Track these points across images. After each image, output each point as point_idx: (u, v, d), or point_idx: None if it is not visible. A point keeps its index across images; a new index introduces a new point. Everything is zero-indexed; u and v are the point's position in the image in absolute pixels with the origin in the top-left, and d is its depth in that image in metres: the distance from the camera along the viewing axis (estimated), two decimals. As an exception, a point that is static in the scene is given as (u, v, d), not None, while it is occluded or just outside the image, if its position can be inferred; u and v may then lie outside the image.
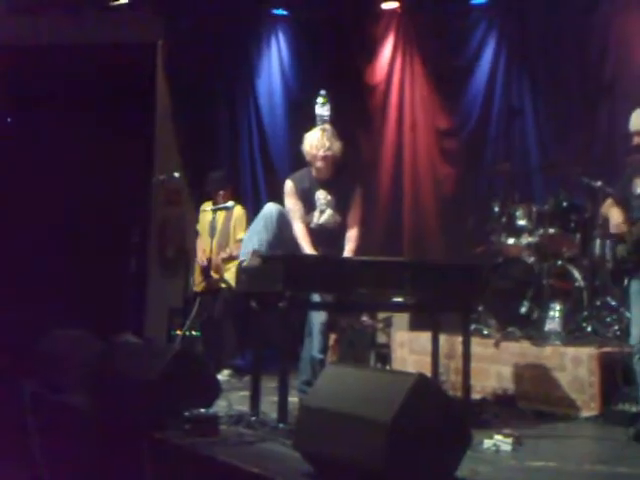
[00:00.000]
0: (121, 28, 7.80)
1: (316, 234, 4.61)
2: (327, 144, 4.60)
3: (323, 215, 4.68)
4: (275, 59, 8.09)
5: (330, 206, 4.68)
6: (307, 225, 4.64)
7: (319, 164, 4.63)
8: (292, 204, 4.66)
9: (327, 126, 4.72)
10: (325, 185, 4.70)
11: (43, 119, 7.84)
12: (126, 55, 7.87)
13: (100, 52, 7.82)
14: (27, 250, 7.51)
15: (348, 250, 4.63)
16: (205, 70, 7.90)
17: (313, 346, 4.63)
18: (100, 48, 7.84)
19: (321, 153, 4.60)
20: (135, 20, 7.87)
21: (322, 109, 4.80)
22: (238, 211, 6.29)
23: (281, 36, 8.10)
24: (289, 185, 4.72)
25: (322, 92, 4.83)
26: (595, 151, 6.15)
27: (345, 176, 4.76)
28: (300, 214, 4.64)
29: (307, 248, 4.50)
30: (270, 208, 4.52)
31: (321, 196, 4.69)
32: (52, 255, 7.56)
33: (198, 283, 6.25)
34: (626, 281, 4.11)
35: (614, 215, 4.12)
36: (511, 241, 5.73)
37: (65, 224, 7.69)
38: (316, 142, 4.62)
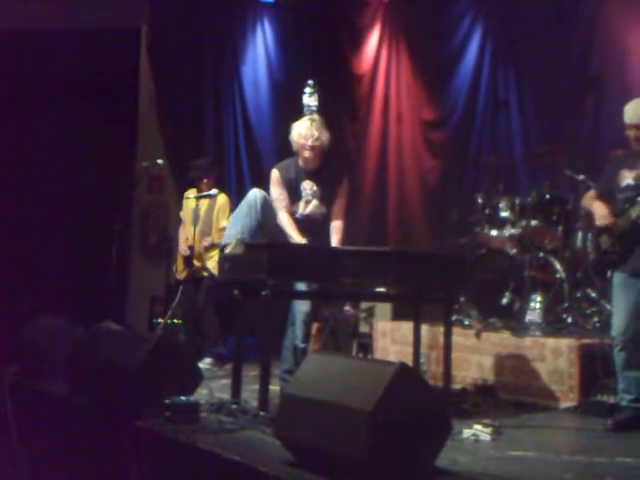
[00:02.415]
0: (105, 12, 7.72)
1: (301, 224, 4.60)
2: (316, 134, 4.58)
3: (308, 206, 4.66)
4: (260, 47, 8.06)
5: (316, 197, 4.67)
6: (292, 215, 4.63)
7: (307, 154, 4.62)
8: (278, 193, 4.65)
9: (316, 116, 4.70)
10: (312, 175, 4.69)
11: (24, 105, 7.76)
12: (110, 40, 7.80)
13: (83, 37, 7.74)
14: (7, 238, 7.44)
15: (335, 241, 4.63)
16: (190, 57, 7.86)
17: (296, 335, 4.63)
18: (83, 32, 7.76)
19: (309, 143, 4.59)
20: (119, 4, 7.80)
21: (310, 99, 4.78)
22: (222, 199, 6.26)
23: (267, 24, 8.06)
24: (275, 174, 4.70)
25: (310, 82, 4.81)
26: (581, 143, 6.18)
27: (332, 167, 4.75)
28: (285, 204, 4.62)
29: (295, 237, 4.48)
30: (254, 194, 4.50)
31: (307, 186, 4.67)
32: (33, 242, 7.50)
33: (180, 271, 6.23)
34: (609, 273, 4.13)
35: (598, 207, 4.14)
36: (494, 233, 5.76)
37: (47, 211, 7.63)
38: (305, 132, 4.60)
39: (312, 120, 4.64)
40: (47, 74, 7.73)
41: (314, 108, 4.80)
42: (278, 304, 4.63)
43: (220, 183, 6.58)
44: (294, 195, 4.67)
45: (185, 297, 5.98)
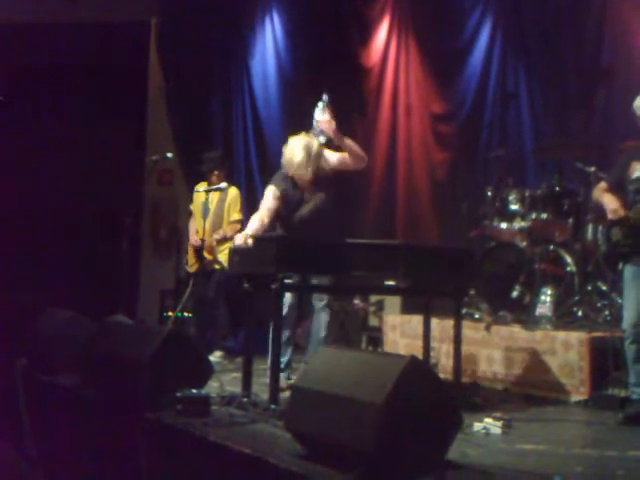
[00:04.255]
0: (114, 6, 7.73)
1: (306, 225, 4.63)
2: (305, 170, 4.50)
3: (308, 205, 4.68)
4: (269, 40, 8.04)
5: (315, 199, 4.68)
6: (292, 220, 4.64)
7: (300, 182, 4.62)
8: (265, 207, 4.61)
9: (313, 143, 4.55)
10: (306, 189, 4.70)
11: (34, 99, 7.79)
12: (119, 33, 7.81)
13: (93, 30, 7.76)
14: (20, 231, 7.48)
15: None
16: (199, 50, 7.85)
17: (316, 325, 4.74)
18: (93, 26, 7.78)
19: (297, 175, 4.56)
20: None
21: (321, 114, 4.68)
22: (233, 192, 6.28)
23: (275, 17, 8.04)
24: (271, 190, 4.65)
25: (324, 98, 4.69)
26: (591, 136, 6.15)
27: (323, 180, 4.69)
28: (262, 215, 4.57)
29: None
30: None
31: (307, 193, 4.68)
32: (45, 236, 7.54)
33: (191, 264, 6.24)
34: (620, 265, 4.12)
35: (609, 200, 4.12)
36: (504, 226, 5.74)
37: (57, 205, 7.66)
38: (296, 162, 4.51)
39: (307, 149, 4.50)
40: (56, 67, 7.75)
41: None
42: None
43: (230, 176, 6.59)
44: (294, 204, 4.66)
45: (195, 290, 6.00)
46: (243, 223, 6.34)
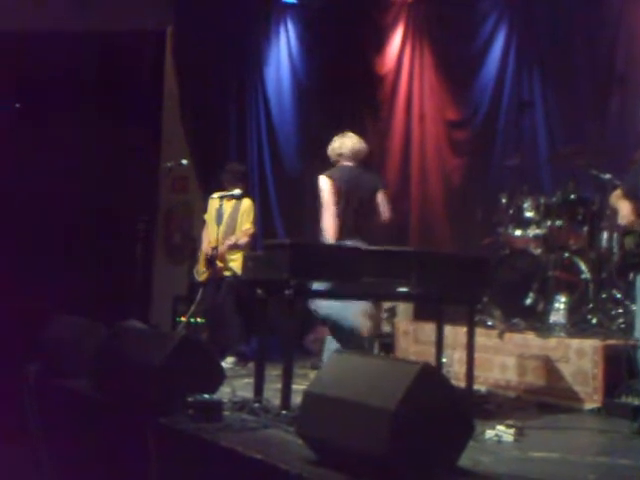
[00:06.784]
0: (130, 14, 7.79)
1: None
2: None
3: None
4: (284, 48, 8.08)
5: None
6: None
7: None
8: None
9: None
10: None
11: (50, 106, 7.85)
12: (135, 42, 7.87)
13: (109, 39, 7.82)
14: (33, 236, 7.53)
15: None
16: (214, 58, 7.90)
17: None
18: (109, 35, 7.84)
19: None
20: (144, 7, 7.86)
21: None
22: (246, 203, 6.28)
23: (290, 25, 8.08)
24: None
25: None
26: (605, 143, 6.12)
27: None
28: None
29: None
30: None
31: None
32: (58, 241, 7.59)
33: (201, 273, 6.25)
34: (632, 275, 4.09)
35: (623, 206, 4.10)
36: (518, 233, 5.73)
37: (72, 210, 7.71)
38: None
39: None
40: (72, 76, 7.81)
41: None
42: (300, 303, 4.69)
43: (247, 188, 6.59)
44: None
45: (206, 298, 6.00)
46: (255, 233, 6.36)
